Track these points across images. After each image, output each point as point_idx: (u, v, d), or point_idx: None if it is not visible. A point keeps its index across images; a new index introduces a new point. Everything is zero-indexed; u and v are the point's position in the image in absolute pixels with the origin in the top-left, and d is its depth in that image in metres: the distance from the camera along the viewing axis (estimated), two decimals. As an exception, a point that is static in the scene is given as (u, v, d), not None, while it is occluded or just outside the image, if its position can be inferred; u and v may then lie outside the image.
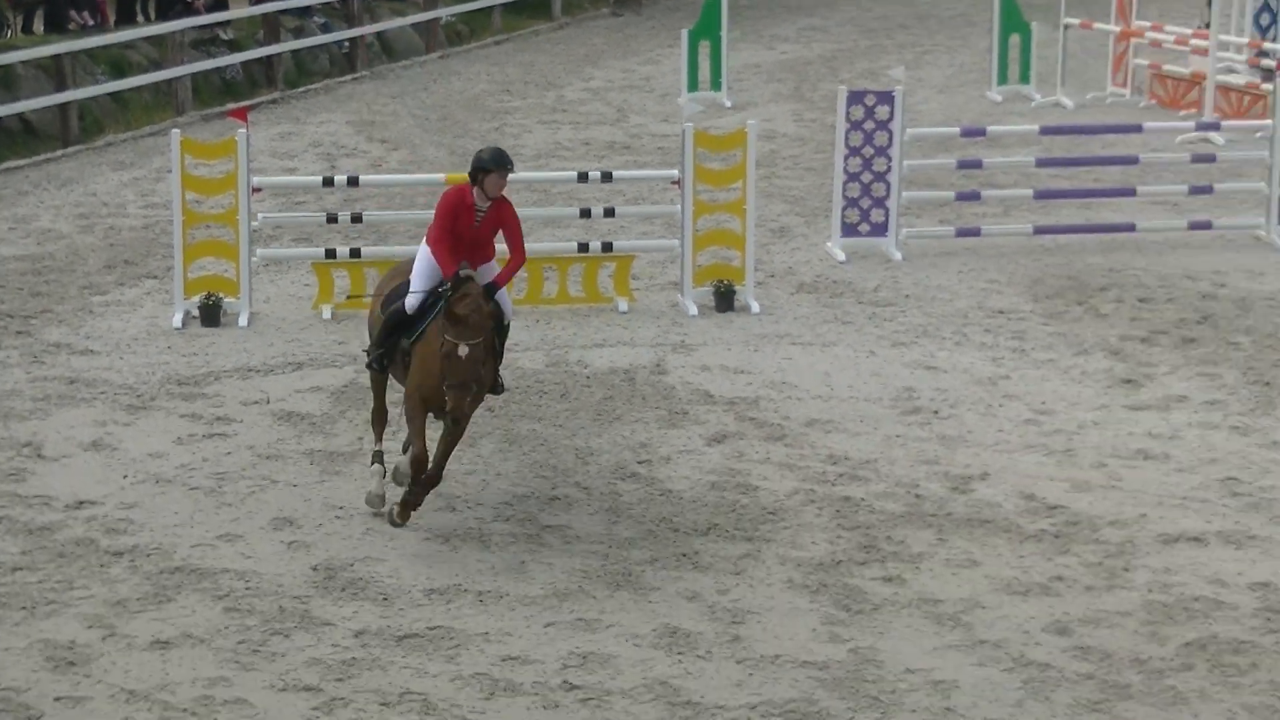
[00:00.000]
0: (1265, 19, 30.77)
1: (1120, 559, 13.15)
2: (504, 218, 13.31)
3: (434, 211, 13.49)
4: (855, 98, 20.44)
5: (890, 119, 20.31)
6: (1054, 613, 12.34)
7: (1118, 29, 29.61)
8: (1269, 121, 21.47)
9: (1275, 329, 18.24)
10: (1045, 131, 22.50)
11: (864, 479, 14.53)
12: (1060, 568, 13.01)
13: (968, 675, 11.51)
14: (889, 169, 20.37)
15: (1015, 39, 29.64)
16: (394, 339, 13.41)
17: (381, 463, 13.76)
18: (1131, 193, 21.67)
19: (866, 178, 20.40)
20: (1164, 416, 15.96)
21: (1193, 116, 26.41)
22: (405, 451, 13.69)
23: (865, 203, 20.48)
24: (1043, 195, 21.71)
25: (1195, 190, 21.65)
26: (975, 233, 20.94)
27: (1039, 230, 21.07)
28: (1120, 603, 12.50)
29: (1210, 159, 22.39)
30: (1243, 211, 21.81)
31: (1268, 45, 28.29)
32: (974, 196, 21.30)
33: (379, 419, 14.00)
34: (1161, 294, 19.34)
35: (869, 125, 20.32)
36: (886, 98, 20.38)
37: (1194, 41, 27.88)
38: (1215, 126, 24.32)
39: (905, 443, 15.31)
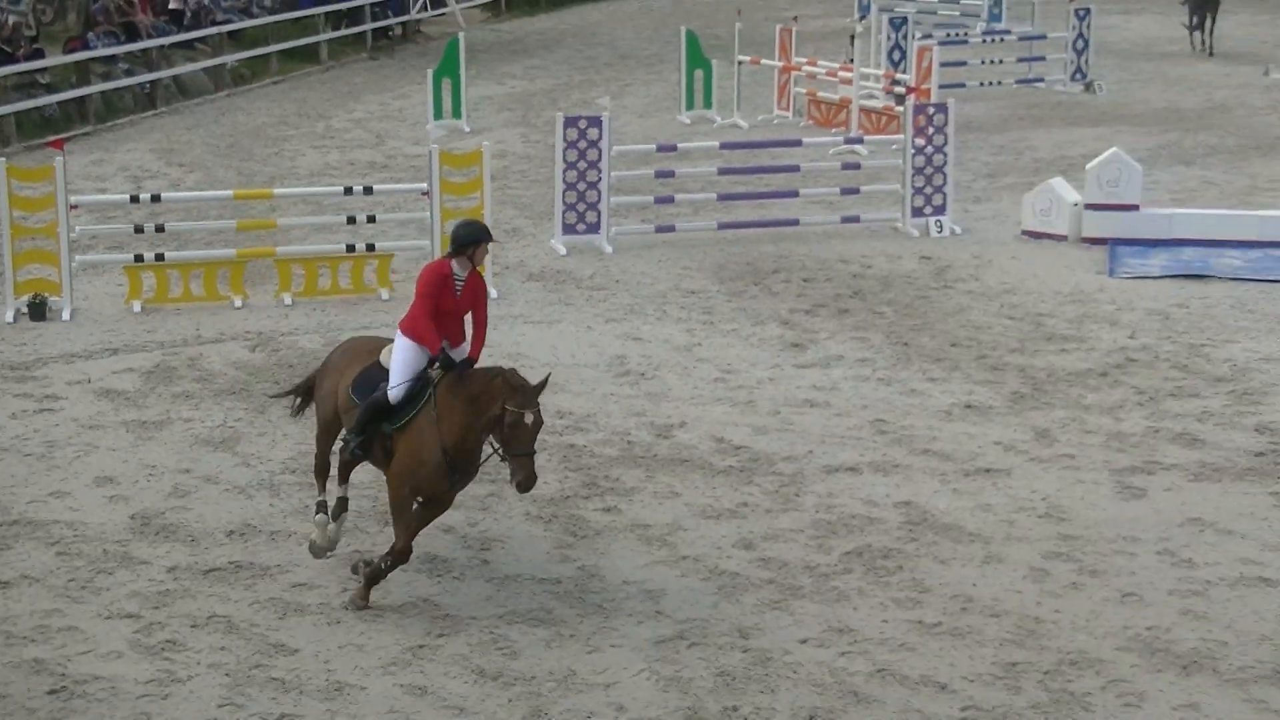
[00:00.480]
0: (896, 55, 31.43)
1: (793, 486, 13.34)
2: (479, 287, 11.38)
3: (415, 292, 11.32)
4: (571, 122, 20.43)
5: (600, 139, 20.36)
6: (741, 531, 12.49)
7: (781, 64, 29.94)
8: (901, 136, 21.90)
9: (911, 300, 18.59)
10: (725, 146, 22.71)
11: (586, 429, 14.57)
12: (745, 495, 13.16)
13: (673, 584, 11.61)
14: (600, 179, 20.41)
15: (699, 73, 29.79)
16: (374, 426, 11.29)
17: (326, 512, 11.85)
18: (795, 194, 21.91)
19: (582, 186, 20.42)
20: (825, 372, 16.20)
21: (842, 133, 26.78)
22: (355, 570, 11.48)
23: (581, 207, 20.50)
24: (725, 198, 21.89)
25: (845, 191, 21.95)
26: (671, 229, 21.06)
27: (722, 226, 21.25)
28: (793, 521, 12.68)
29: (856, 166, 22.67)
30: (883, 208, 22.16)
31: (899, 76, 28.81)
32: (669, 200, 21.41)
33: (321, 471, 11.99)
34: (821, 275, 19.61)
35: (582, 144, 20.34)
36: (596, 122, 20.42)
37: (841, 74, 28.26)
38: (859, 141, 24.67)
39: (618, 399, 15.37)
